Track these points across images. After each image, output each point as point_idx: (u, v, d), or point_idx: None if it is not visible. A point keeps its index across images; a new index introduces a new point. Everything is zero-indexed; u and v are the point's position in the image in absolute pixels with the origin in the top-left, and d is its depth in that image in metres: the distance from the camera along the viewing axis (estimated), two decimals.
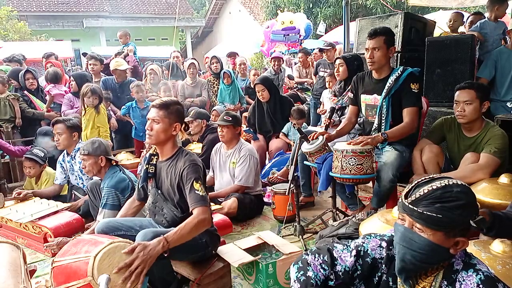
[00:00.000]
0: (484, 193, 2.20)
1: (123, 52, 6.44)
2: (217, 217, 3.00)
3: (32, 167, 3.86)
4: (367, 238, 1.47)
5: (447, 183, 1.21)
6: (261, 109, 4.58)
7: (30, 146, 4.45)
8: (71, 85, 4.99)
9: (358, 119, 3.20)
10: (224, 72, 5.69)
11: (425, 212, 1.19)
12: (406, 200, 1.25)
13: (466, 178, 2.32)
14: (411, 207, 1.22)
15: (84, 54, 6.89)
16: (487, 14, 4.37)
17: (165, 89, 5.35)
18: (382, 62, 2.85)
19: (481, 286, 1.16)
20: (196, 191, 2.10)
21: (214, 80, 6.12)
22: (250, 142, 4.41)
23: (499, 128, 2.64)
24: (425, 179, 1.27)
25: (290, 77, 7.43)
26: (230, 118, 3.50)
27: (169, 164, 2.25)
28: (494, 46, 4.05)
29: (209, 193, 3.39)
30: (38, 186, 3.94)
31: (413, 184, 1.28)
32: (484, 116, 2.69)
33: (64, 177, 3.68)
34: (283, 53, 8.44)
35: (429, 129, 3.03)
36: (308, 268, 1.41)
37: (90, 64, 5.60)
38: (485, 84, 3.35)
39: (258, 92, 4.48)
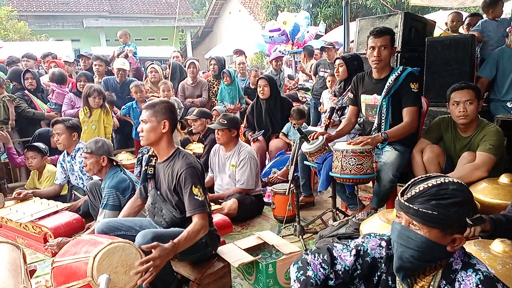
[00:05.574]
0: (484, 193, 2.20)
1: (123, 52, 6.44)
2: (217, 217, 2.99)
3: (34, 156, 3.87)
4: (367, 238, 1.47)
5: (442, 181, 1.22)
6: (260, 107, 4.56)
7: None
8: (81, 85, 4.95)
9: (358, 119, 3.20)
10: (223, 72, 5.67)
11: (420, 209, 1.20)
12: (402, 198, 1.26)
13: (465, 178, 2.32)
14: (407, 204, 1.23)
15: (80, 56, 6.79)
16: (485, 15, 4.37)
17: (164, 88, 5.20)
18: (388, 60, 2.84)
19: (480, 286, 1.16)
20: (196, 197, 2.11)
21: (213, 80, 6.10)
22: (249, 144, 4.41)
23: (494, 125, 2.65)
24: (421, 177, 1.28)
25: (290, 77, 7.43)
26: (226, 121, 3.48)
27: (166, 165, 2.25)
28: (500, 44, 4.02)
29: (211, 195, 3.41)
30: (40, 183, 3.95)
31: (409, 182, 1.28)
32: (484, 116, 2.70)
33: (64, 177, 3.68)
34: (283, 53, 8.42)
35: (427, 128, 3.01)
36: (308, 267, 1.42)
37: (95, 65, 5.62)
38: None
39: (260, 87, 4.43)
